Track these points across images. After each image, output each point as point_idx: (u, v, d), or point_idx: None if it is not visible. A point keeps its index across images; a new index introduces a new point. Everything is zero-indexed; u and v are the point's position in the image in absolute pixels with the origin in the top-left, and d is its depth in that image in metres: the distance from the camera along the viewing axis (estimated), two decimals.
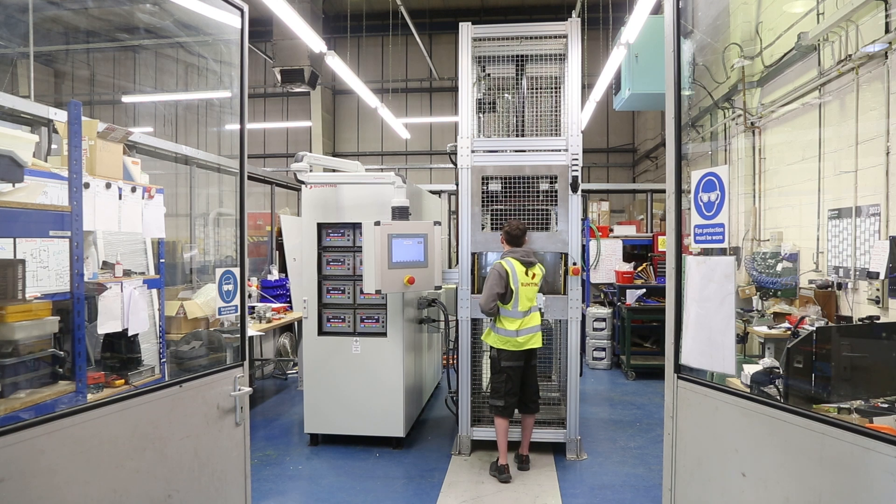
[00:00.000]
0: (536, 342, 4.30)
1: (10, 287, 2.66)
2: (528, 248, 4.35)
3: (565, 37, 4.64)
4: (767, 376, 3.23)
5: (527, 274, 4.23)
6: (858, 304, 4.56)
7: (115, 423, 2.06)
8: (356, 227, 4.79)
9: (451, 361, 5.09)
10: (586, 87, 8.70)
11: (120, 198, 3.37)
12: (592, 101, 8.92)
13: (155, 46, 11.88)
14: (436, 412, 5.86)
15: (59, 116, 4.16)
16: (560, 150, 4.56)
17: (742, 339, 5.20)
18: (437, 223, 4.56)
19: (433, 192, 7.10)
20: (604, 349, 7.88)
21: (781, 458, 2.07)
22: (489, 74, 5.13)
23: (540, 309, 4.37)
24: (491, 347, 4.36)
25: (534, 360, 4.39)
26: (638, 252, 8.55)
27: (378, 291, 4.29)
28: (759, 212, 6.41)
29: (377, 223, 4.24)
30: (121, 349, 3.54)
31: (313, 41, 6.55)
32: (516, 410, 4.37)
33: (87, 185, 3.05)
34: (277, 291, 7.07)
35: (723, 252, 2.85)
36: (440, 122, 14.89)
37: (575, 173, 4.51)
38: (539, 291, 4.35)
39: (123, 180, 3.44)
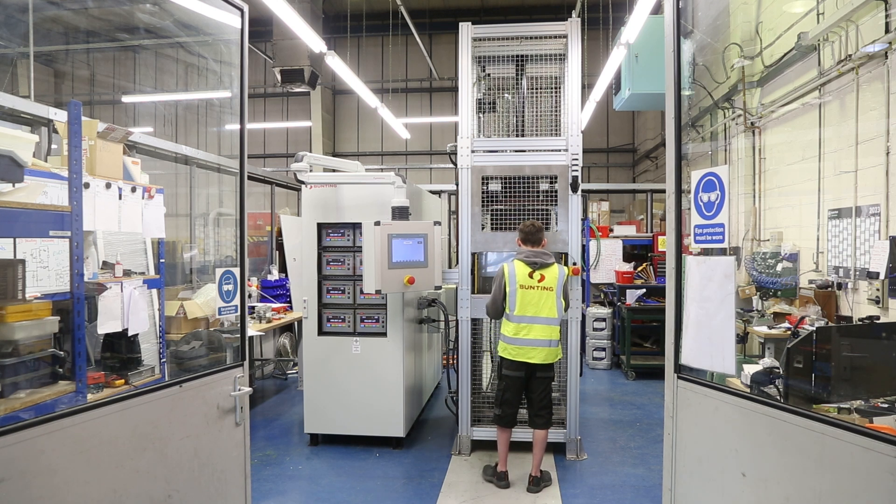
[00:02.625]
0: (535, 357, 3.96)
1: (10, 287, 2.66)
2: (540, 249, 4.09)
3: (565, 37, 4.64)
4: (767, 376, 3.23)
5: (531, 276, 3.99)
6: (858, 304, 4.56)
7: (115, 423, 2.06)
8: (356, 227, 4.79)
9: (451, 361, 5.09)
10: (586, 87, 8.70)
11: (120, 198, 3.37)
12: (592, 101, 8.92)
13: (155, 46, 11.89)
14: (436, 412, 5.86)
15: (59, 116, 4.16)
16: (560, 150, 4.56)
17: (742, 339, 5.20)
18: (437, 223, 4.55)
19: (433, 192, 7.10)
20: (604, 349, 7.88)
21: (781, 458, 2.07)
22: (489, 74, 5.13)
23: (559, 323, 4.03)
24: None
25: (540, 373, 4.04)
26: (638, 252, 8.55)
27: (378, 291, 4.29)
28: (759, 212, 6.41)
29: (377, 223, 4.24)
30: (121, 349, 3.54)
31: (313, 41, 6.55)
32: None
33: (87, 185, 3.05)
34: (277, 291, 7.07)
35: (723, 252, 2.85)
36: (440, 122, 14.89)
37: (575, 173, 4.51)
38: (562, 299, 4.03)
39: (123, 180, 3.45)
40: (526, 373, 4.04)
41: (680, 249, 2.55)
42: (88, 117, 3.17)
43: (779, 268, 5.46)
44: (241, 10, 2.67)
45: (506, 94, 5.14)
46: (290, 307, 6.80)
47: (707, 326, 2.40)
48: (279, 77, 10.10)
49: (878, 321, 3.64)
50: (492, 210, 4.77)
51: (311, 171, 4.74)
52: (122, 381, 3.38)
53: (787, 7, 5.83)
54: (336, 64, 7.38)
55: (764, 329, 4.73)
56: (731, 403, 2.28)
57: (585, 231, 6.65)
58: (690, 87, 7.37)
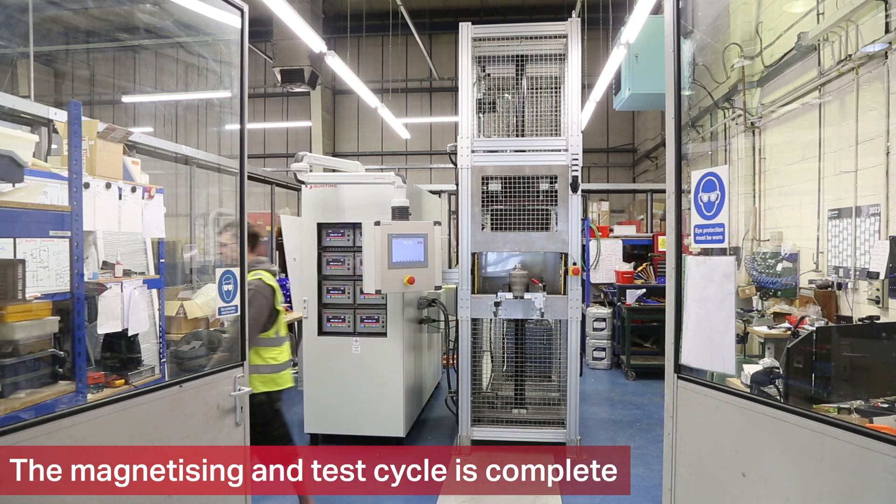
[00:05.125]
0: (291, 379, 3.66)
1: (10, 287, 2.66)
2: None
3: (565, 37, 4.64)
4: (767, 376, 3.23)
5: None
6: (858, 304, 4.56)
7: (114, 423, 2.06)
8: (356, 227, 4.79)
9: (451, 361, 5.09)
10: (586, 87, 8.68)
11: (120, 198, 3.37)
12: (592, 101, 8.93)
13: (155, 46, 11.89)
14: (436, 412, 5.86)
15: (59, 116, 4.16)
16: (560, 150, 4.56)
17: (742, 339, 5.20)
18: (437, 223, 4.55)
19: (433, 192, 7.10)
20: (604, 349, 7.88)
21: (781, 458, 2.07)
22: (489, 74, 5.13)
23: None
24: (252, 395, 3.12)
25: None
26: (638, 252, 8.54)
27: (378, 291, 4.29)
28: (759, 212, 6.41)
29: (377, 223, 4.24)
30: (121, 349, 3.54)
31: (313, 41, 6.55)
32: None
33: (87, 185, 3.05)
34: None
35: (723, 252, 2.84)
36: (440, 122, 14.89)
37: (575, 173, 4.51)
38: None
39: (123, 180, 3.45)
40: None
41: (680, 249, 2.55)
42: (88, 117, 3.17)
43: (779, 268, 5.46)
44: (241, 10, 2.67)
45: (506, 94, 5.14)
46: (290, 307, 6.79)
47: (707, 326, 2.40)
48: (279, 77, 10.09)
49: (878, 321, 3.64)
50: (492, 210, 4.77)
51: (311, 171, 4.73)
52: (122, 381, 3.38)
53: (787, 7, 5.83)
54: (336, 64, 7.38)
55: (764, 329, 4.73)
56: (732, 403, 2.28)
57: (585, 231, 6.65)
58: (690, 87, 7.37)
